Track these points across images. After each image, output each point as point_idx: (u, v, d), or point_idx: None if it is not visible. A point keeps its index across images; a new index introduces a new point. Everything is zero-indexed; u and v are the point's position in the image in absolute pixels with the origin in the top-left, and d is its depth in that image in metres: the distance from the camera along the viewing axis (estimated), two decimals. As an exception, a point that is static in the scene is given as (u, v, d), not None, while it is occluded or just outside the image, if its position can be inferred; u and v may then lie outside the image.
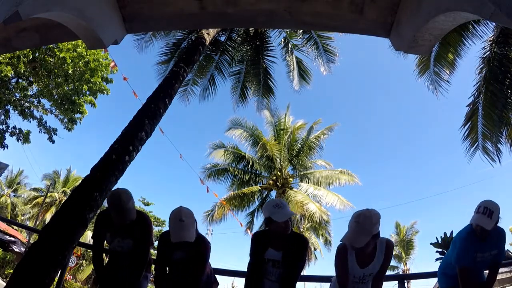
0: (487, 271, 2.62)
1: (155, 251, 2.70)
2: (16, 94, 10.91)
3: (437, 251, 7.47)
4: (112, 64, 10.83)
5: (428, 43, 2.23)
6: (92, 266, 22.17)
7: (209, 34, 7.03)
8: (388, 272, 2.39)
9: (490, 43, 6.84)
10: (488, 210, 2.32)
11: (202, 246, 2.28)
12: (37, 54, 9.80)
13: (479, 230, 2.37)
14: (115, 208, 2.35)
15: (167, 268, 2.38)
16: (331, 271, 2.51)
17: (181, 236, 2.12)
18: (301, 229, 15.86)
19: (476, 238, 2.43)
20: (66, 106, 10.77)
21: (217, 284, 2.60)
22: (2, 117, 11.23)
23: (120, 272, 2.48)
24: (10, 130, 11.35)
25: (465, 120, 7.22)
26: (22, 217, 25.79)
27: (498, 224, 2.46)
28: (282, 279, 2.31)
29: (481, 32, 6.72)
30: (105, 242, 2.59)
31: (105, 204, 2.92)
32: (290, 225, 2.27)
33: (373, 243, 2.10)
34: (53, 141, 11.52)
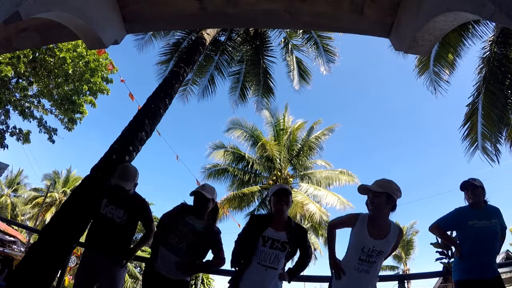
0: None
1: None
2: (16, 94, 10.90)
3: (437, 251, 7.46)
4: (110, 66, 10.85)
5: (428, 43, 2.22)
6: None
7: (209, 34, 7.03)
8: (388, 272, 2.40)
9: (490, 43, 6.84)
10: (471, 178, 2.81)
11: None
12: (37, 54, 9.78)
13: (471, 188, 2.75)
14: (120, 171, 2.77)
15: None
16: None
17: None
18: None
19: (471, 209, 2.77)
20: (66, 106, 10.76)
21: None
22: (2, 117, 11.22)
23: (106, 237, 2.68)
24: (10, 130, 11.35)
25: (465, 120, 7.22)
26: (22, 217, 25.76)
27: None
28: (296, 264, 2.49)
29: (481, 32, 6.72)
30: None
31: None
32: (284, 203, 2.38)
33: (389, 221, 2.37)
34: (53, 141, 11.52)
